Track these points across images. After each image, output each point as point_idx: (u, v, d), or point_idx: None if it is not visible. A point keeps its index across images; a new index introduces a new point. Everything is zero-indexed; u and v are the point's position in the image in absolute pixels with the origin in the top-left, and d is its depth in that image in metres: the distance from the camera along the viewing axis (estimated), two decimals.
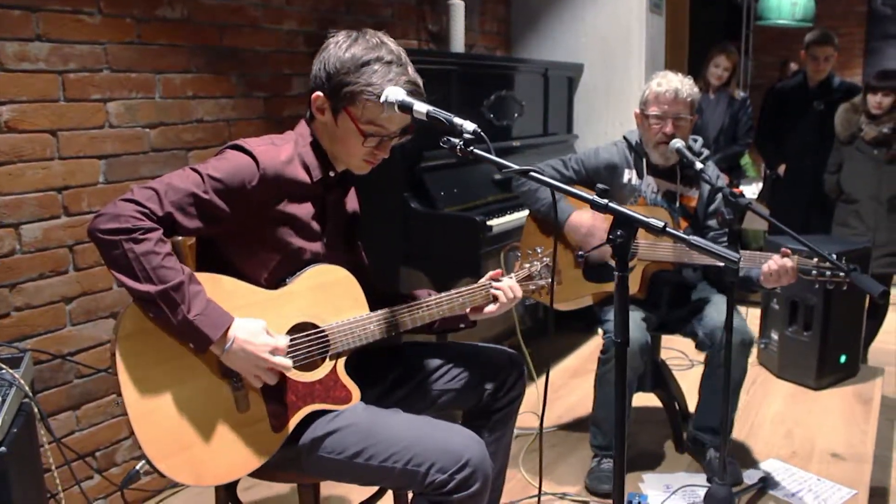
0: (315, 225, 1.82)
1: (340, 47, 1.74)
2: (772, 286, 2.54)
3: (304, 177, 1.78)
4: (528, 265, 2.14)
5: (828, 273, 2.42)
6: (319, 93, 1.77)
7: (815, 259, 2.42)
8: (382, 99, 1.71)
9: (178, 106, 2.78)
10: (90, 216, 2.49)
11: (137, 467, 1.66)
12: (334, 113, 1.77)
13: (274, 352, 1.65)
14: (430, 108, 1.70)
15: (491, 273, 2.04)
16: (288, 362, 1.68)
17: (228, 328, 1.61)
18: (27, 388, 1.88)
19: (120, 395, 1.56)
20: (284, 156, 1.75)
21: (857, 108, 4.15)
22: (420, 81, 1.78)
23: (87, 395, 2.58)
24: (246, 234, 1.73)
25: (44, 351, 2.41)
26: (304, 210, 1.79)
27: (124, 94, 2.60)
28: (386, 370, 2.04)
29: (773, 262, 2.48)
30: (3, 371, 1.87)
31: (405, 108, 1.71)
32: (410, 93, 1.72)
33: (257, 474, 1.85)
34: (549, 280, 2.12)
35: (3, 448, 1.65)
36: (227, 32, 2.93)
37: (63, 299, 2.49)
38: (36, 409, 1.92)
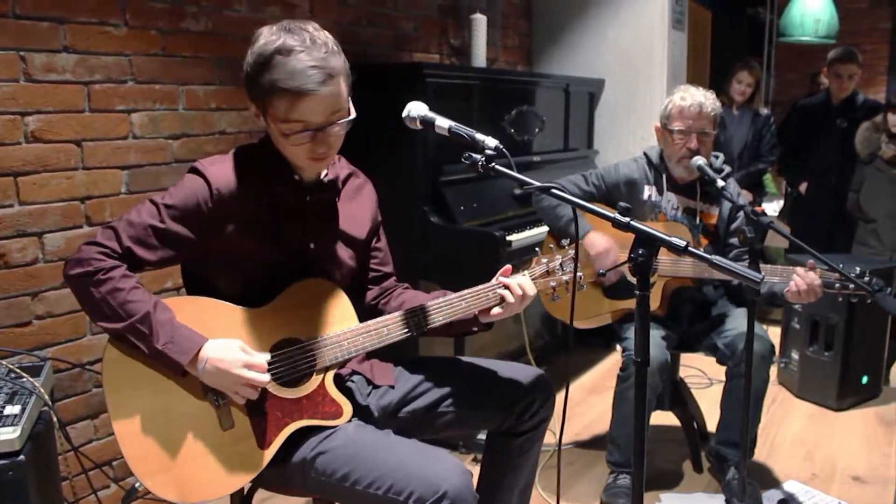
0: (294, 233, 1.79)
1: (252, 49, 1.64)
2: (797, 302, 2.52)
3: (267, 188, 1.74)
4: (545, 260, 1.97)
5: (851, 286, 2.39)
6: (248, 97, 1.68)
7: (838, 273, 2.39)
8: (405, 114, 1.71)
9: (200, 117, 2.80)
10: None
11: (136, 485, 1.68)
12: (264, 118, 1.68)
13: (248, 367, 1.64)
14: (452, 123, 1.69)
15: (501, 271, 1.90)
16: (264, 377, 1.66)
17: (199, 351, 1.62)
18: (47, 397, 1.89)
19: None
20: (242, 171, 1.71)
21: (879, 126, 4.13)
22: (338, 65, 1.62)
23: (105, 405, 2.57)
24: (221, 256, 1.72)
25: (63, 360, 2.43)
26: (275, 221, 1.76)
27: (148, 105, 2.62)
28: (406, 387, 1.98)
29: (799, 278, 2.45)
30: (24, 379, 1.88)
31: (427, 123, 1.71)
32: (321, 82, 1.58)
33: (272, 487, 1.85)
34: (571, 274, 1.94)
35: (22, 456, 1.66)
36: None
37: None
38: (55, 418, 1.93)
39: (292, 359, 1.75)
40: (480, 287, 1.87)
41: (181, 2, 2.69)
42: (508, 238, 3.17)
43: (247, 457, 1.69)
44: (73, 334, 2.48)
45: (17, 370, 1.92)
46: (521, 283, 1.86)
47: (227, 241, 1.71)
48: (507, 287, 1.85)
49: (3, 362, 1.98)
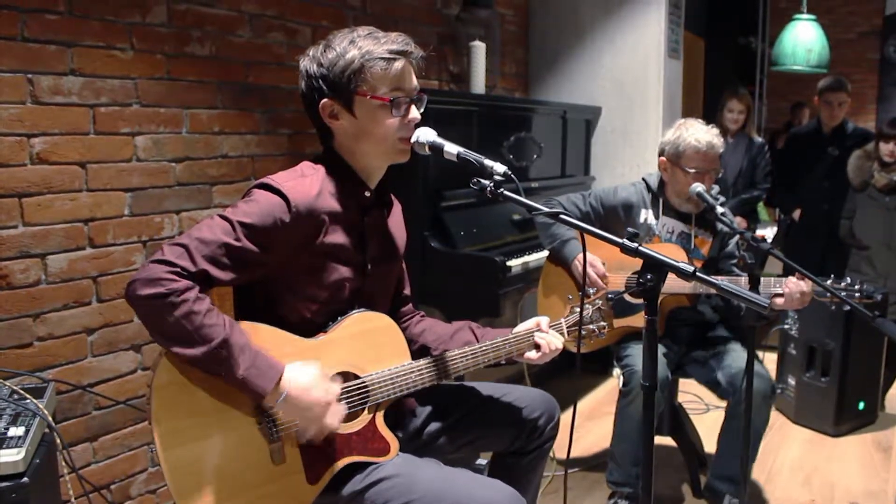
0: (356, 253, 1.78)
1: (315, 57, 1.73)
2: (783, 308, 2.56)
3: (337, 206, 1.73)
4: (578, 309, 2.07)
5: (843, 294, 2.42)
6: (324, 99, 1.72)
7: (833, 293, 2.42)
8: (413, 139, 1.73)
9: (203, 141, 2.81)
10: (114, 248, 2.54)
11: None
12: (349, 107, 1.72)
13: (326, 407, 1.61)
14: (461, 149, 1.71)
15: (538, 320, 2.00)
16: (336, 423, 1.64)
17: (280, 378, 1.57)
18: (50, 419, 1.88)
19: (154, 445, 1.53)
20: (315, 188, 1.70)
21: (871, 155, 4.18)
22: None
23: (104, 427, 2.58)
24: (287, 276, 1.69)
25: (65, 381, 2.41)
26: (343, 240, 1.74)
27: (152, 128, 2.63)
28: (424, 411, 2.00)
29: (791, 284, 2.49)
30: (28, 401, 1.88)
31: (436, 149, 1.73)
32: (408, 44, 1.76)
33: None
34: (602, 325, 2.10)
35: (26, 478, 1.65)
36: (252, 69, 2.98)
37: (85, 330, 2.50)
38: (58, 440, 1.92)
39: (349, 395, 1.72)
40: (521, 333, 1.98)
41: (186, 27, 2.71)
42: (508, 263, 3.18)
43: (295, 492, 1.66)
44: (75, 356, 2.47)
45: (21, 391, 1.92)
46: (551, 342, 1.97)
47: (294, 262, 1.68)
48: (538, 345, 1.97)
49: (7, 383, 1.98)
